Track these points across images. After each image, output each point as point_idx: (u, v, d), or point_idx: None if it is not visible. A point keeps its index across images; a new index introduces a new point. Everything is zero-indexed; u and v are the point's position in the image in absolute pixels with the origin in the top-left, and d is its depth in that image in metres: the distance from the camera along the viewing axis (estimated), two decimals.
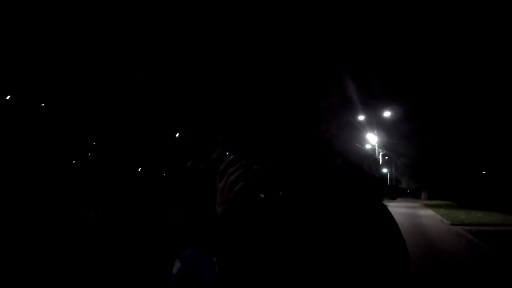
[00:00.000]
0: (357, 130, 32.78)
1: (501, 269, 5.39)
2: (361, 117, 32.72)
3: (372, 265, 0.71)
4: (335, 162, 0.85)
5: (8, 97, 16.53)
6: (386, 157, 34.92)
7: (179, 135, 1.94)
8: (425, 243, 7.52)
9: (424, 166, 35.13)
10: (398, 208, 19.12)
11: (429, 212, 17.35)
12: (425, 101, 31.99)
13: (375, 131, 33.16)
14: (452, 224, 11.37)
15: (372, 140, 33.30)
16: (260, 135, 0.84)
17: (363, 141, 33.98)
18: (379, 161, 32.23)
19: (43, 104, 17.16)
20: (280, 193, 0.83)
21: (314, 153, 0.83)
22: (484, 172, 35.54)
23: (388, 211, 0.78)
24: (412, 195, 42.06)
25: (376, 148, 33.16)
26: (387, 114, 31.87)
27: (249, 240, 0.82)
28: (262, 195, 0.86)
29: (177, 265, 1.90)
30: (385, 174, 34.13)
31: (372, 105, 32.08)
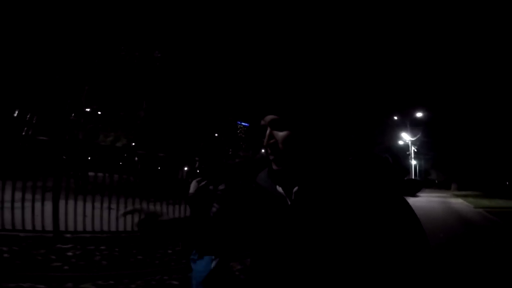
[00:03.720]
0: (387, 127, 36.45)
1: (501, 229, 9.87)
2: (395, 117, 36.52)
3: (386, 261, 0.70)
4: (349, 157, 0.81)
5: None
6: (416, 151, 38.31)
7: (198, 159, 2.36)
8: (456, 216, 12.08)
9: (453, 159, 37.97)
10: (431, 198, 23.22)
11: (458, 200, 21.42)
12: (454, 98, 34.70)
13: (408, 129, 36.52)
14: (476, 207, 15.67)
15: (405, 137, 36.97)
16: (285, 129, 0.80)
17: (396, 138, 37.73)
18: (400, 156, 34.90)
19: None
20: (296, 188, 0.82)
21: (330, 148, 0.82)
22: None
23: (406, 203, 0.77)
24: (442, 186, 44.53)
25: (410, 144, 36.72)
26: (419, 114, 35.16)
27: (266, 237, 0.84)
28: (279, 188, 0.85)
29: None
30: (407, 169, 35.74)
31: (405, 105, 35.49)
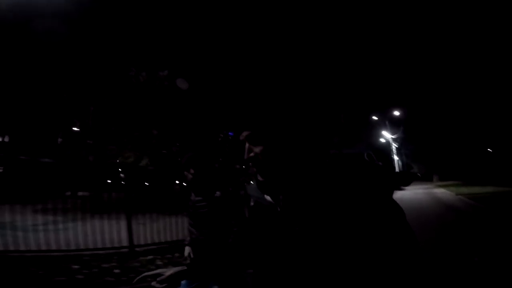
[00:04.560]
0: (368, 127, 38.49)
1: (478, 210, 11.51)
2: (374, 117, 38.64)
3: (378, 261, 0.71)
4: (329, 158, 0.83)
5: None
6: (397, 147, 40.48)
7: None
8: (440, 202, 13.83)
9: (433, 152, 40.15)
10: (417, 190, 25.05)
11: (441, 190, 23.36)
12: (429, 94, 36.63)
13: (388, 128, 38.63)
14: (457, 194, 17.49)
15: (386, 135, 39.12)
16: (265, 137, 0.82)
17: (378, 137, 39.89)
18: (383, 151, 36.92)
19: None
20: (281, 197, 0.84)
21: (310, 152, 0.83)
22: (490, 150, 39.46)
23: (393, 200, 0.78)
24: (424, 179, 46.64)
25: (390, 141, 38.85)
26: (396, 113, 37.39)
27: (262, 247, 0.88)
28: (268, 197, 0.88)
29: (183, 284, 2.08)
30: (393, 162, 37.89)
31: (383, 105, 37.54)
